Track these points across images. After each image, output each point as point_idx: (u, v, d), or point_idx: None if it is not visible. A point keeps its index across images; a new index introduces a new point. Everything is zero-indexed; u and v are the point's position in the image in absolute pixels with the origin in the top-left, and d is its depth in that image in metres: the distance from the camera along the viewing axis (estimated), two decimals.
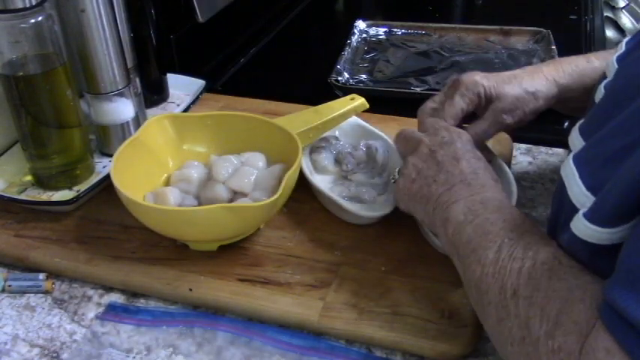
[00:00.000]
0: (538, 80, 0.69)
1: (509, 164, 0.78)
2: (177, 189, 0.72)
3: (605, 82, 0.54)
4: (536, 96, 0.69)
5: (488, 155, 0.71)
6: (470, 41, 1.20)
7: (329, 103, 0.81)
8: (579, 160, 0.47)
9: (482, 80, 0.69)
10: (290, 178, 0.66)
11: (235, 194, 0.71)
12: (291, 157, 0.69)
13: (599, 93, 0.54)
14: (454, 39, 1.21)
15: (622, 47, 0.57)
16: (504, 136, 0.86)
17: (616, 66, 0.54)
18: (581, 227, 0.44)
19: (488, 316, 0.50)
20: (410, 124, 0.90)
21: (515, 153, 0.86)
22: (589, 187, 0.45)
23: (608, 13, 1.56)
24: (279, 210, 0.71)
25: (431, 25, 1.24)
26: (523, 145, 0.88)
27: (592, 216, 0.43)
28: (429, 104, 0.72)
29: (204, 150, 0.78)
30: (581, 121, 0.52)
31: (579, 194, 0.45)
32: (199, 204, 0.71)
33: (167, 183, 0.75)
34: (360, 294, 0.64)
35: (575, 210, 0.45)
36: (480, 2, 1.55)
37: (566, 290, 0.45)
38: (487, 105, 0.70)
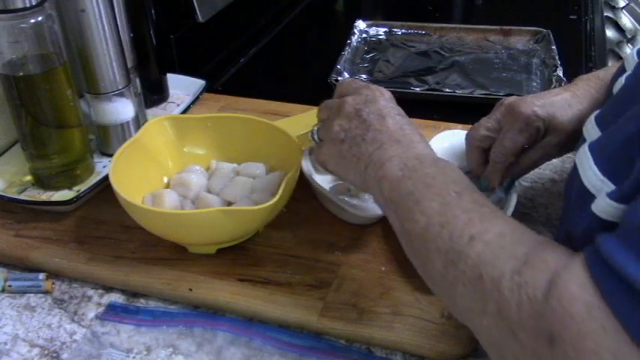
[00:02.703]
0: (589, 108, 0.65)
1: None
2: (175, 192, 0.72)
3: (625, 75, 0.54)
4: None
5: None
6: (470, 41, 1.20)
7: None
8: (594, 147, 0.47)
9: (541, 113, 0.66)
10: (290, 181, 0.66)
11: (231, 204, 0.71)
12: (291, 160, 0.69)
13: (619, 84, 0.54)
14: (454, 39, 1.21)
15: None
16: None
17: (636, 59, 0.54)
18: (607, 208, 0.43)
19: (433, 263, 0.49)
20: None
21: None
22: (604, 172, 0.45)
23: (608, 13, 1.56)
24: (278, 212, 0.70)
25: (431, 25, 1.24)
26: None
27: (618, 195, 0.42)
28: (482, 131, 0.70)
29: (205, 152, 0.78)
30: (596, 112, 0.52)
31: (594, 179, 0.45)
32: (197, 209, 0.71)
33: (168, 185, 0.75)
34: (360, 294, 0.64)
35: (590, 196, 0.45)
36: (480, 2, 1.55)
37: (534, 238, 0.45)
38: (543, 136, 0.67)
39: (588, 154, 0.47)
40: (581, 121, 0.62)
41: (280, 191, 0.64)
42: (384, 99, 0.61)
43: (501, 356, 0.43)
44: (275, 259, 0.69)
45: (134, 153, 0.72)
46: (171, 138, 0.77)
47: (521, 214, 0.75)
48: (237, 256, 0.69)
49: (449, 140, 0.80)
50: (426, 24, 1.25)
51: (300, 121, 0.80)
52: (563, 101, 0.67)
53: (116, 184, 0.66)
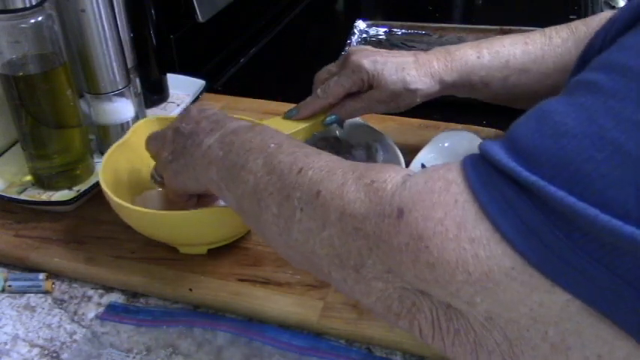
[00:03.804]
0: (422, 76, 0.72)
1: None
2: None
3: None
4: (414, 94, 0.72)
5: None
6: (470, 41, 1.20)
7: None
8: None
9: (367, 66, 0.72)
10: None
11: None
12: None
13: None
14: (454, 39, 1.21)
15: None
16: None
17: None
18: None
19: (267, 209, 0.49)
20: (409, 124, 0.90)
21: None
22: None
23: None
24: None
25: (431, 25, 1.24)
26: None
27: None
28: (323, 74, 0.77)
29: None
30: None
31: None
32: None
33: None
34: None
35: None
36: (480, 2, 1.55)
37: (376, 164, 0.46)
38: (369, 88, 0.73)
39: None
40: (406, 88, 0.71)
41: None
42: (196, 110, 0.63)
43: (343, 263, 0.43)
44: (275, 259, 0.69)
45: (124, 154, 0.72)
46: None
47: None
48: (237, 256, 0.69)
49: (449, 140, 0.80)
50: (426, 24, 1.24)
51: (289, 119, 0.80)
52: (398, 64, 0.72)
53: (106, 185, 0.66)
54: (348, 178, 0.44)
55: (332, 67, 0.77)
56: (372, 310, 0.44)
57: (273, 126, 0.78)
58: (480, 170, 0.38)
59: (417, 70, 0.72)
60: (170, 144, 0.62)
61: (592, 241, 0.33)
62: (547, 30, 0.74)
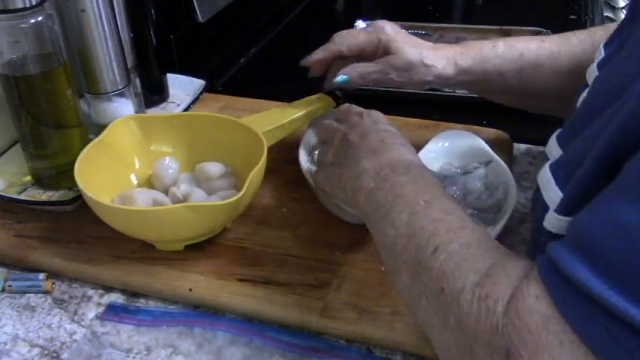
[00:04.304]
0: (439, 58, 0.73)
1: (509, 164, 0.78)
2: (146, 191, 0.72)
3: (587, 89, 0.54)
4: (429, 70, 0.73)
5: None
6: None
7: (296, 101, 0.83)
8: (556, 167, 0.47)
9: (389, 29, 0.74)
10: (255, 176, 0.67)
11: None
12: (257, 156, 0.69)
13: (581, 98, 0.53)
14: (454, 39, 1.21)
15: (601, 53, 0.56)
16: (504, 136, 0.86)
17: (597, 73, 0.54)
18: (554, 222, 0.43)
19: (401, 275, 0.49)
20: (410, 124, 0.90)
21: (515, 153, 0.86)
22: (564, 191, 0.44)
23: (608, 13, 1.56)
24: (245, 208, 0.70)
25: (431, 25, 1.24)
26: (523, 146, 0.88)
27: (561, 208, 0.43)
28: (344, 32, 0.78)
29: (171, 150, 0.78)
30: (558, 131, 0.52)
31: (555, 198, 0.45)
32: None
33: (137, 184, 0.76)
34: (360, 294, 0.64)
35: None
36: (480, 2, 1.55)
37: (499, 250, 0.45)
38: (383, 56, 0.74)
39: (549, 174, 0.47)
40: (422, 62, 0.73)
41: (245, 186, 0.65)
42: (371, 120, 0.65)
43: None
44: (275, 259, 0.69)
45: (100, 153, 0.72)
46: (137, 137, 0.77)
47: (521, 214, 0.75)
48: (237, 256, 0.69)
49: (449, 140, 0.80)
50: (426, 24, 1.25)
51: (265, 117, 0.80)
52: (416, 41, 0.75)
53: (82, 183, 0.66)
54: (468, 282, 0.42)
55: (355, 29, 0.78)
56: None
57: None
58: (571, 300, 0.36)
59: (433, 51, 0.73)
60: (335, 148, 0.65)
61: None
62: (566, 33, 0.75)
